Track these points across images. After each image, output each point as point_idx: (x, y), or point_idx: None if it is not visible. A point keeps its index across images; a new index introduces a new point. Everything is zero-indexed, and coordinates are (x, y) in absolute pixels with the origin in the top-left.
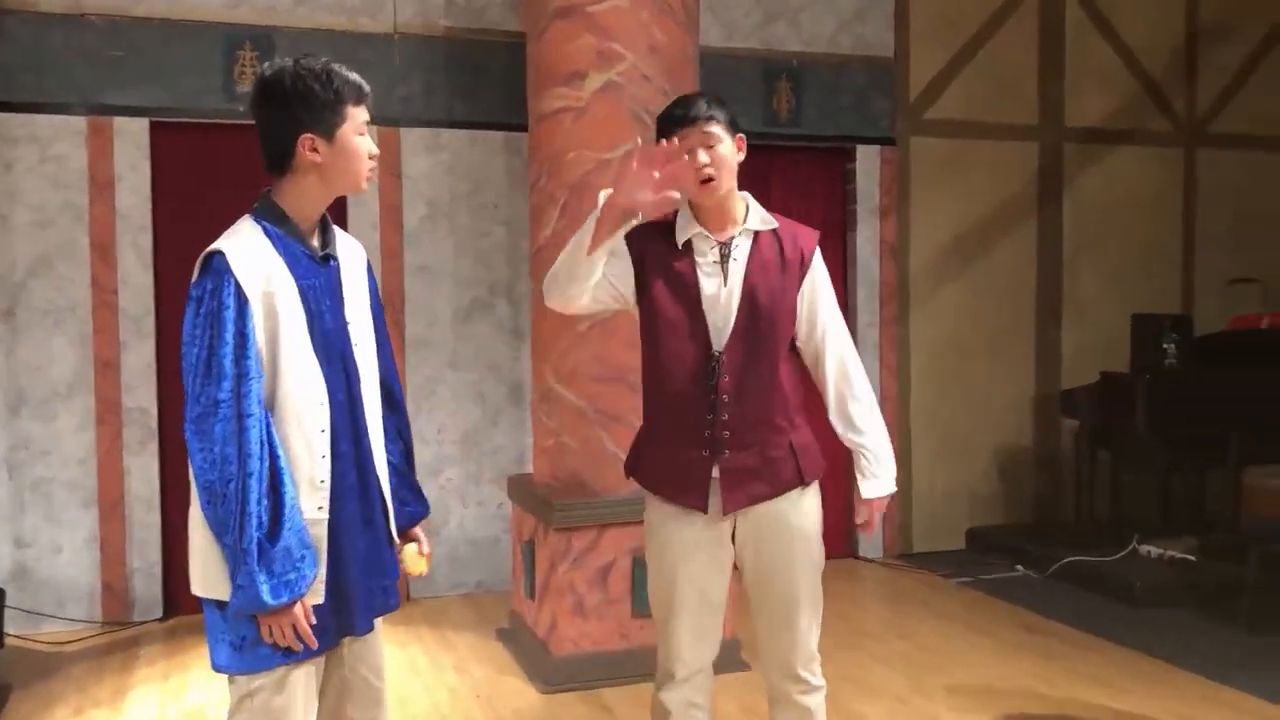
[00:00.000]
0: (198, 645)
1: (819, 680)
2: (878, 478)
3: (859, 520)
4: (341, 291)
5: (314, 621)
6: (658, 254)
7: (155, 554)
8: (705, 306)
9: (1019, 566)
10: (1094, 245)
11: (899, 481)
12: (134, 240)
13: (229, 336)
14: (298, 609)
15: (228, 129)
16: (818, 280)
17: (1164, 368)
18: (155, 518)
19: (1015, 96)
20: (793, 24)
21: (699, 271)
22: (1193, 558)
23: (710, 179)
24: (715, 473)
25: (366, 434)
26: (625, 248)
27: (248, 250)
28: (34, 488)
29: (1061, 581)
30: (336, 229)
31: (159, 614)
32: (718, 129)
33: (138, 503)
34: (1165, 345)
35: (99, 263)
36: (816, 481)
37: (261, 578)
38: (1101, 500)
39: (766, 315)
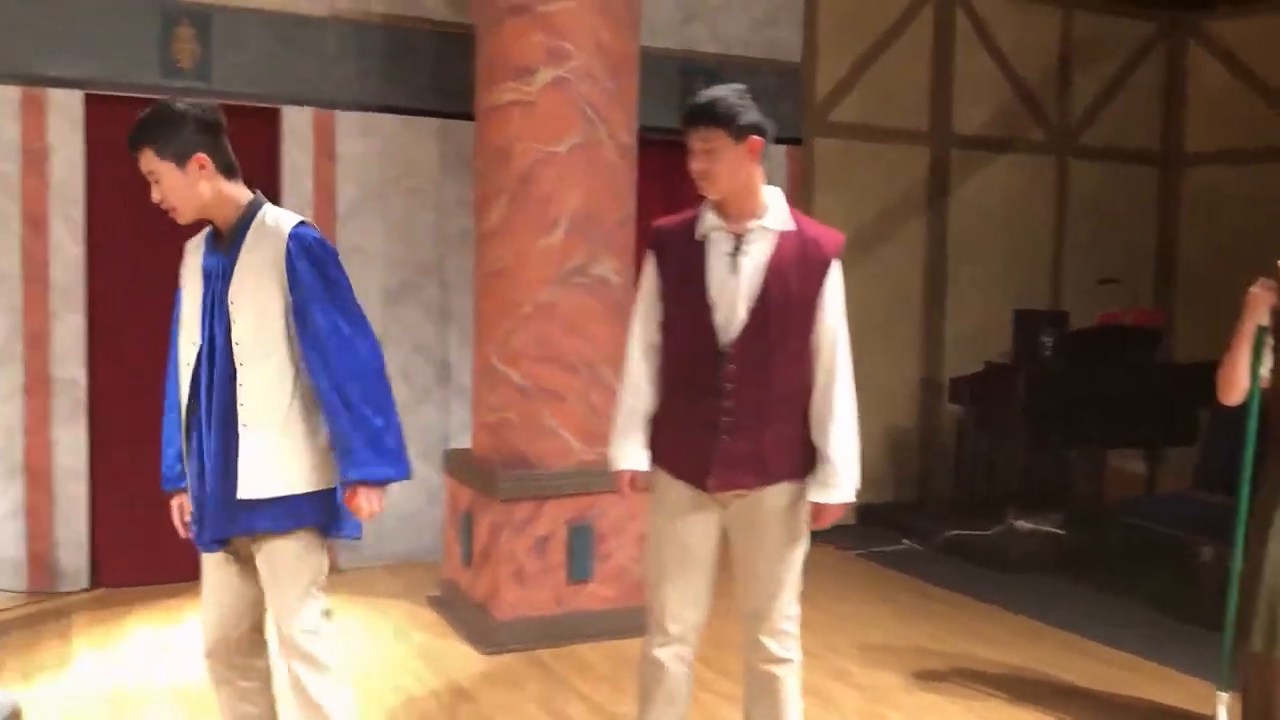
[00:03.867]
0: (130, 613)
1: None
2: (831, 488)
3: (806, 517)
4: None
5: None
6: (676, 250)
7: (82, 525)
8: (712, 299)
9: (906, 540)
10: (974, 244)
11: None
12: (66, 213)
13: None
14: None
15: None
16: (829, 286)
17: (1042, 359)
18: (83, 489)
19: (909, 103)
20: (710, 25)
21: (708, 264)
22: (1061, 531)
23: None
24: (715, 455)
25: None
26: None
27: None
28: None
29: (945, 553)
30: (268, 219)
31: (85, 584)
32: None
33: (65, 474)
34: (1043, 339)
35: (30, 234)
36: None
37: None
38: (979, 479)
39: (778, 314)
